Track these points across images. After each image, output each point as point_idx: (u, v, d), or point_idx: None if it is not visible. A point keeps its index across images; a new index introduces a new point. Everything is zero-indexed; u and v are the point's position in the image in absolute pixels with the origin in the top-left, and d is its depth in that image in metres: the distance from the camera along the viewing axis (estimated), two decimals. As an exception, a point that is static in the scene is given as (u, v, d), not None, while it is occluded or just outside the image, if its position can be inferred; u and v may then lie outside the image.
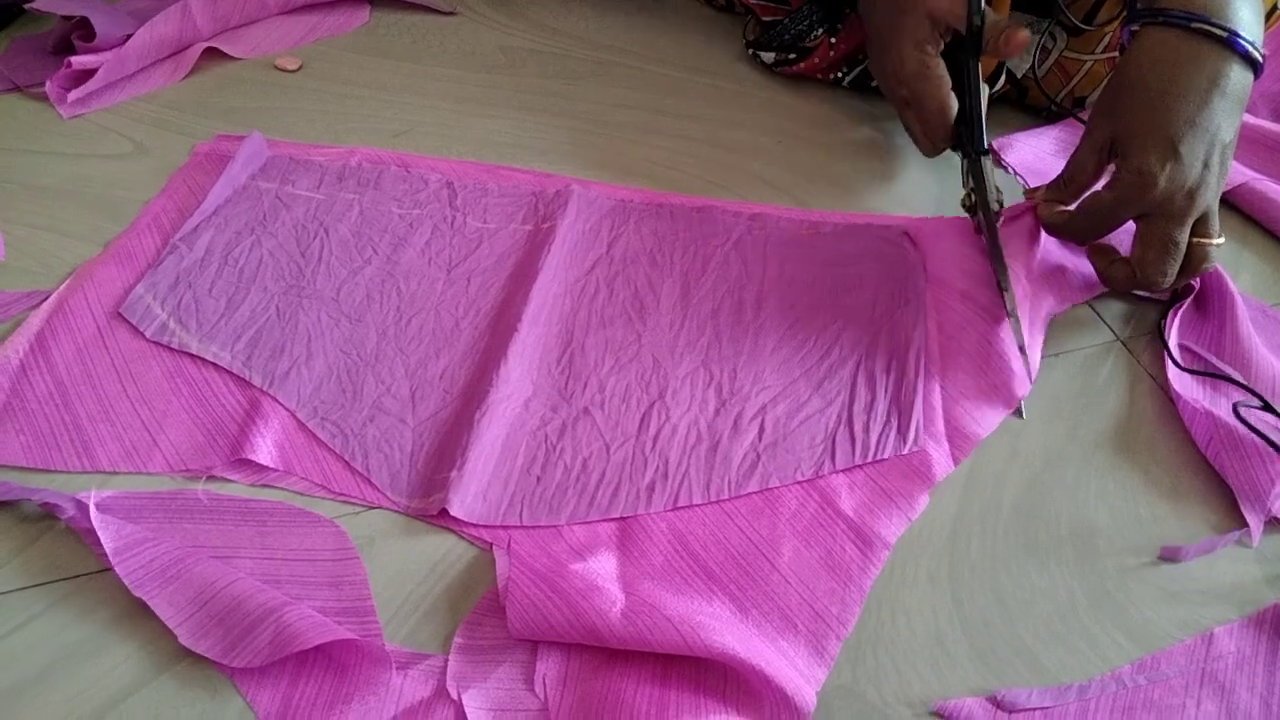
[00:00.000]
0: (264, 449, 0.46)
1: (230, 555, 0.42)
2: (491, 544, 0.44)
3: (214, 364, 0.50)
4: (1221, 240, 0.52)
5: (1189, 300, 0.57)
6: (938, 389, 0.51)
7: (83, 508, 0.42)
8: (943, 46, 0.58)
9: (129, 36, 0.70)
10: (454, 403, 0.49)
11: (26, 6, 0.75)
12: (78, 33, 0.71)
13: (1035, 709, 0.39)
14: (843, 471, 0.47)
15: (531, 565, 0.42)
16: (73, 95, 0.67)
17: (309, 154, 0.65)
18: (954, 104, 0.57)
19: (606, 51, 0.79)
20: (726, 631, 0.39)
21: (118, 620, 0.40)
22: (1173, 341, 0.54)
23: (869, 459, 0.48)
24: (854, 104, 0.74)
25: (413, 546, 0.44)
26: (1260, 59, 0.50)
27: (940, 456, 0.48)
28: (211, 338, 0.52)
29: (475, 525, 0.44)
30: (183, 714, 0.37)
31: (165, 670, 0.39)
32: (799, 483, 0.47)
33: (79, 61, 0.69)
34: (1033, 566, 0.44)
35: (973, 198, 0.57)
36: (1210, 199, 0.50)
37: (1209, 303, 0.57)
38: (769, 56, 0.75)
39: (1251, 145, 0.69)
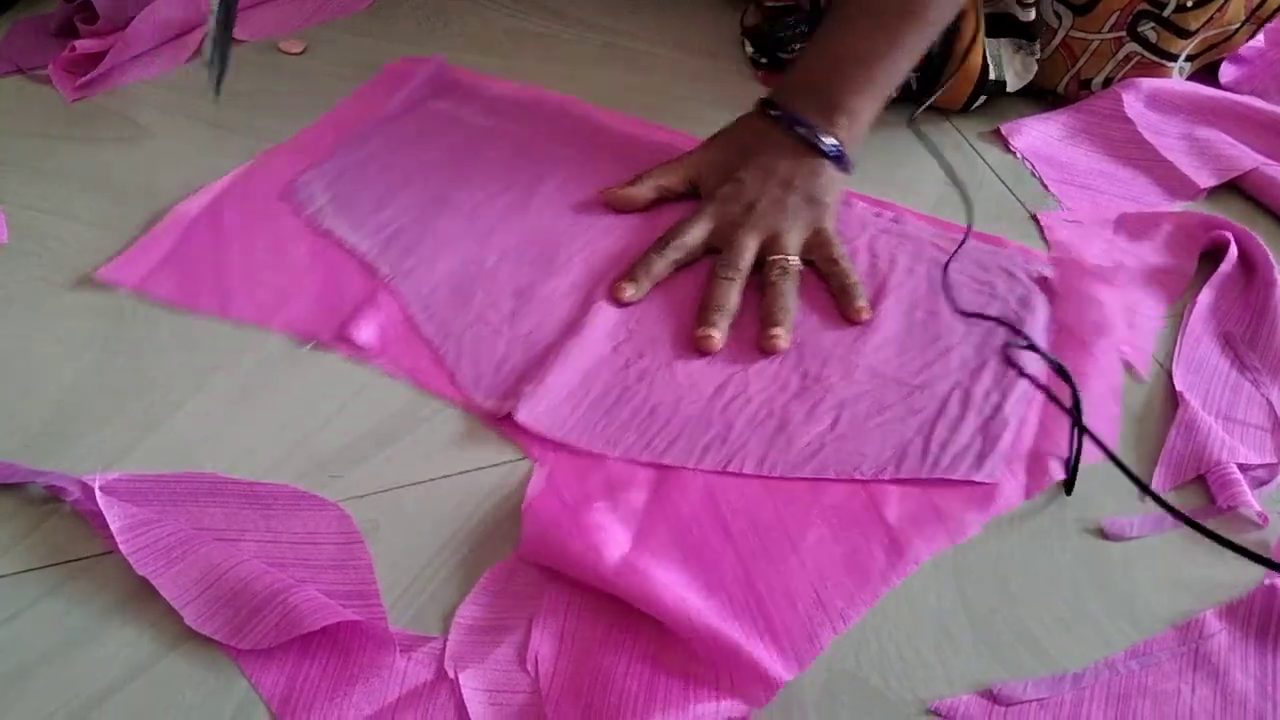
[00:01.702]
0: (367, 332, 0.51)
1: (235, 539, 0.42)
2: (537, 459, 0.46)
3: (351, 251, 0.56)
4: (794, 260, 0.55)
5: (1228, 279, 0.57)
6: (1034, 427, 0.49)
7: (88, 490, 0.42)
8: None
9: (131, 19, 0.70)
10: (550, 327, 0.52)
11: (29, -12, 0.75)
12: (80, 15, 0.71)
13: (1031, 701, 0.39)
14: (902, 481, 0.46)
15: (559, 490, 0.44)
16: (79, 82, 0.67)
17: (486, 84, 0.70)
18: None
19: (611, 35, 0.78)
20: (711, 613, 0.39)
21: (122, 603, 0.40)
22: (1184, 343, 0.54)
23: (936, 475, 0.46)
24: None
25: (418, 530, 0.44)
26: (841, 154, 0.57)
27: (1011, 489, 0.46)
28: (356, 227, 0.57)
29: (531, 435, 0.47)
30: (187, 696, 0.38)
31: (170, 653, 0.39)
32: (852, 480, 0.46)
33: (82, 45, 0.68)
34: (1037, 553, 0.44)
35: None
36: (777, 222, 0.55)
37: (1252, 289, 0.57)
38: (749, 49, 0.75)
39: (1261, 130, 0.69)
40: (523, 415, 0.47)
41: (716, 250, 0.56)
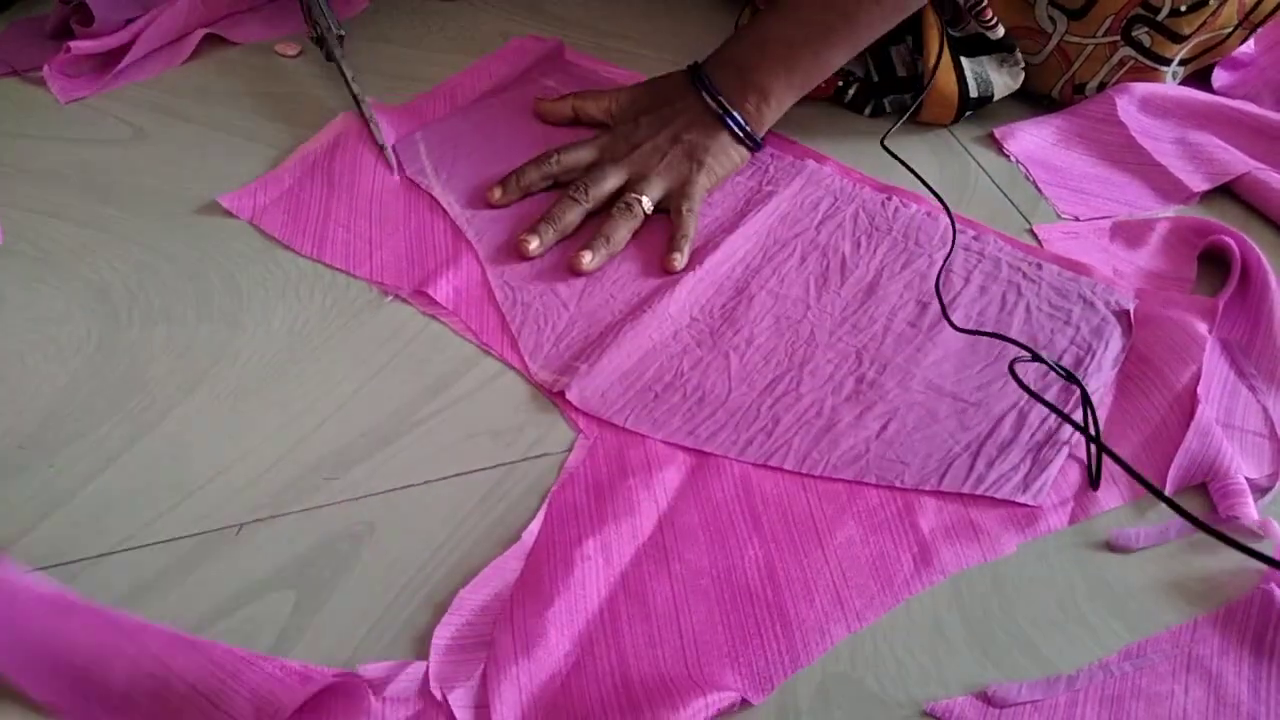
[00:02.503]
0: (443, 290, 0.54)
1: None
2: (583, 430, 0.48)
3: (444, 211, 0.59)
4: (645, 203, 0.57)
5: (1230, 293, 0.56)
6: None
7: None
8: None
9: (128, 21, 0.70)
10: (615, 308, 0.54)
11: (24, -10, 0.74)
12: (76, 17, 0.71)
13: (1026, 703, 0.39)
14: (942, 494, 0.46)
15: (599, 463, 0.46)
16: (64, 87, 0.67)
17: (597, 68, 0.74)
18: None
19: (606, 38, 0.78)
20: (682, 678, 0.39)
21: (121, 602, 0.40)
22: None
23: (978, 492, 0.46)
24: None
25: (413, 533, 0.44)
26: (745, 130, 0.61)
27: (1055, 513, 0.46)
28: (451, 189, 0.60)
29: (582, 412, 0.49)
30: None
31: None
32: (891, 486, 0.46)
33: (77, 46, 0.68)
34: (1031, 555, 0.44)
35: (317, 30, 0.64)
36: (648, 165, 0.59)
37: (1248, 295, 0.57)
38: None
39: (1253, 135, 0.69)
40: (573, 394, 0.49)
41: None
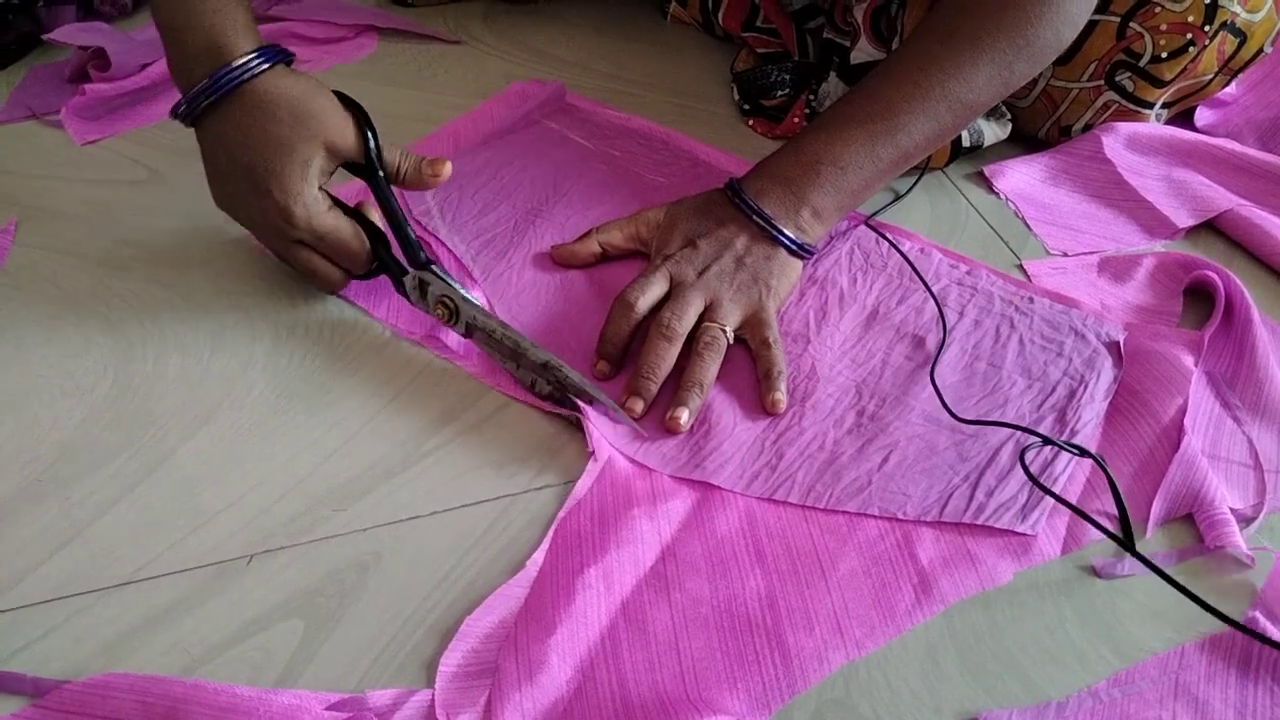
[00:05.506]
0: (455, 335, 0.55)
1: None
2: (593, 453, 0.49)
3: (450, 251, 0.61)
4: (729, 333, 0.54)
5: (1215, 326, 0.58)
6: (1082, 485, 0.49)
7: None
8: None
9: (144, 66, 0.72)
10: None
11: (44, 37, 0.77)
12: (94, 62, 0.73)
13: None
14: (940, 524, 0.47)
15: (604, 495, 0.47)
16: (80, 129, 0.69)
17: (597, 111, 0.75)
18: (359, 228, 0.55)
19: (607, 79, 0.81)
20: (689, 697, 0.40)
21: (134, 631, 0.41)
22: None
23: (978, 521, 0.47)
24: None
25: (419, 562, 0.45)
26: (809, 252, 0.58)
27: (1049, 543, 0.47)
28: (457, 230, 0.62)
29: (594, 436, 0.49)
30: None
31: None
32: (887, 518, 0.47)
33: (93, 89, 0.70)
34: (1022, 583, 0.45)
35: (450, 304, 0.54)
36: (720, 290, 0.56)
37: (1232, 328, 0.58)
38: (736, 95, 0.78)
39: (1236, 172, 0.71)
40: (590, 425, 0.50)
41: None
